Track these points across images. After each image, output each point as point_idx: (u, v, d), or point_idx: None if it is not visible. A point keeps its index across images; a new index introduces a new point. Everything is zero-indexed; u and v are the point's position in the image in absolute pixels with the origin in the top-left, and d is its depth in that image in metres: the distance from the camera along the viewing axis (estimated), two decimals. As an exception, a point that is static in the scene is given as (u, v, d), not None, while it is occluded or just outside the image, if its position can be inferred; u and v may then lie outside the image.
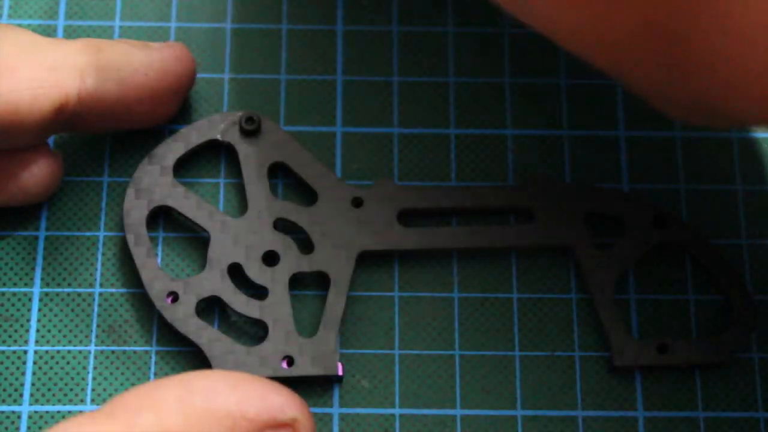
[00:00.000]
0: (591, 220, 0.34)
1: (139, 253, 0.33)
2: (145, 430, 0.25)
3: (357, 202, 0.33)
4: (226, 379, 0.26)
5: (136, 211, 0.33)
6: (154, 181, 0.33)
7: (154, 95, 0.33)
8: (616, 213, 0.34)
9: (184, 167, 0.35)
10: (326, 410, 0.32)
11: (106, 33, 0.36)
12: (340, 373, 0.32)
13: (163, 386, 0.26)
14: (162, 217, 0.34)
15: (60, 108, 0.30)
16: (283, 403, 0.26)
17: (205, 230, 0.33)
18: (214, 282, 0.33)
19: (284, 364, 0.32)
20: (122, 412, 0.25)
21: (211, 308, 0.33)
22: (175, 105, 0.34)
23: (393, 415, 0.32)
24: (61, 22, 0.36)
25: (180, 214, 0.33)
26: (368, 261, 0.34)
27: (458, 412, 0.33)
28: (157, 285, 0.32)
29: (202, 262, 0.34)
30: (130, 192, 0.33)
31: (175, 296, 0.32)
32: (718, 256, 0.34)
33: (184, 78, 0.33)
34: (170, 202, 0.33)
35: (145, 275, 0.33)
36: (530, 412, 0.33)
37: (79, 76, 0.31)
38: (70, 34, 0.36)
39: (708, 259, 0.34)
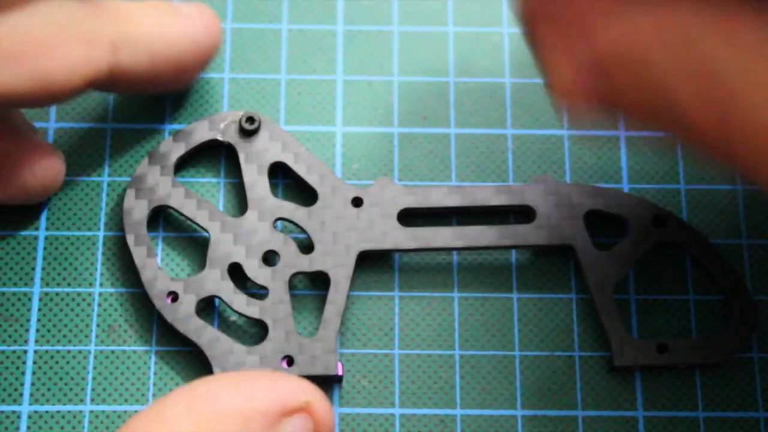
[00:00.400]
0: (591, 220, 0.34)
1: (139, 253, 0.33)
2: None
3: (357, 202, 0.33)
4: (229, 380, 0.26)
5: (137, 211, 0.33)
6: (155, 181, 0.33)
7: (182, 64, 0.33)
8: (616, 213, 0.34)
9: (184, 167, 0.35)
10: None
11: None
12: (340, 372, 0.32)
13: (168, 402, 0.26)
14: (162, 217, 0.34)
15: (91, 82, 0.30)
16: (292, 390, 0.26)
17: (205, 230, 0.33)
18: (214, 282, 0.32)
19: (284, 364, 0.32)
20: None
21: (211, 307, 0.33)
22: (199, 72, 0.34)
23: (393, 415, 0.32)
24: (61, 22, 0.36)
25: (180, 213, 0.33)
26: (368, 261, 0.34)
27: (458, 412, 0.33)
28: (157, 285, 0.32)
29: (202, 261, 0.34)
30: (131, 192, 0.33)
31: (175, 296, 0.32)
32: (717, 255, 0.34)
33: (211, 47, 0.33)
34: (170, 202, 0.33)
35: (145, 275, 0.33)
36: (530, 412, 0.32)
37: (112, 51, 0.30)
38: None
39: (708, 259, 0.33)
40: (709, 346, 0.33)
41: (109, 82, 0.31)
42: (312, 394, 0.26)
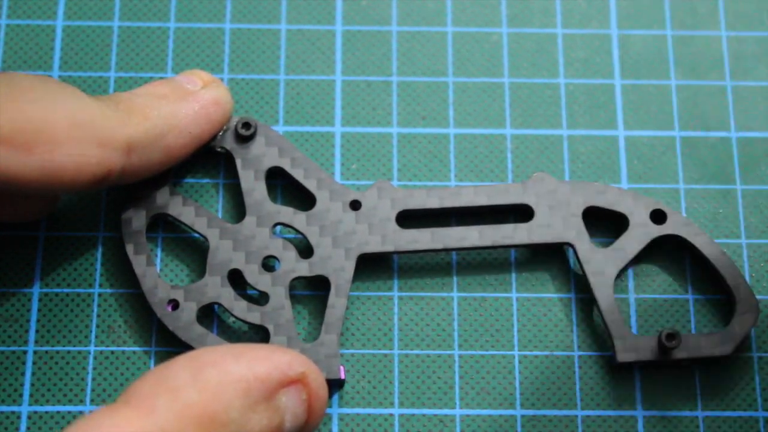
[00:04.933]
0: (589, 217, 0.34)
1: (139, 262, 0.33)
2: (165, 412, 0.25)
3: (355, 205, 0.33)
4: (232, 349, 0.27)
5: (135, 220, 0.33)
6: (153, 189, 0.33)
7: (193, 146, 0.33)
8: (615, 209, 0.34)
9: (182, 174, 0.35)
10: (326, 410, 0.32)
11: (105, 33, 0.36)
12: (342, 376, 0.32)
13: (172, 367, 0.26)
14: (161, 220, 0.34)
15: (102, 180, 0.30)
16: (290, 361, 0.27)
17: (204, 237, 0.33)
18: (215, 289, 0.32)
19: (285, 368, 0.32)
20: (139, 400, 0.25)
21: (211, 312, 0.33)
22: (209, 141, 0.34)
23: (393, 415, 0.32)
24: (59, 23, 0.36)
25: (179, 221, 0.33)
26: (367, 261, 0.34)
27: (458, 412, 0.33)
28: (157, 293, 0.32)
29: (201, 261, 0.34)
30: (129, 201, 0.33)
31: (175, 304, 0.32)
32: (717, 247, 0.33)
33: (222, 120, 0.33)
34: (169, 210, 0.33)
35: (146, 284, 0.32)
36: (530, 412, 0.33)
37: (126, 153, 0.30)
38: (69, 34, 0.36)
39: (708, 250, 0.33)
40: (710, 341, 0.32)
41: (120, 179, 0.31)
42: (308, 365, 0.28)
